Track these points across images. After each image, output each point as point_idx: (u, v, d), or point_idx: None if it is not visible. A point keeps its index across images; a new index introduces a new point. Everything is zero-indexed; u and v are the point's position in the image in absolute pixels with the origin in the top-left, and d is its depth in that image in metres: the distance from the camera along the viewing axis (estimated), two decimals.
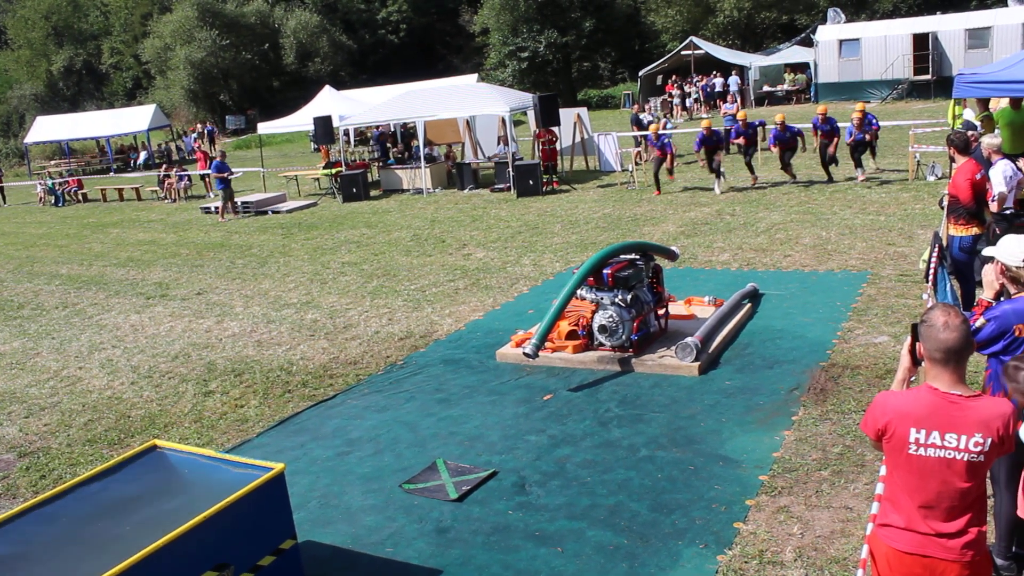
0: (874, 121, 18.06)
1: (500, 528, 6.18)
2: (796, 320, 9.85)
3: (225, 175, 23.39)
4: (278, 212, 23.78)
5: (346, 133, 27.58)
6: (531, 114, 23.13)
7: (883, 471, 3.78)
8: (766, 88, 40.51)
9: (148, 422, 8.99)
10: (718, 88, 38.65)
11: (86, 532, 4.95)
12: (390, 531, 6.29)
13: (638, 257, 9.48)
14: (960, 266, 8.80)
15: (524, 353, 8.86)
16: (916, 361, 3.77)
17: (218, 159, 24.40)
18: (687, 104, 39.88)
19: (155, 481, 5.55)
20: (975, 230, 8.74)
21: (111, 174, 41.53)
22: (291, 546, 5.38)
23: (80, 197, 33.00)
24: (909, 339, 3.75)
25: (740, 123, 19.12)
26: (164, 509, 5.19)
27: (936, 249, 7.52)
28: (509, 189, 22.27)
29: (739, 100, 29.65)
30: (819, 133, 18.06)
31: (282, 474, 5.29)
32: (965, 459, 3.41)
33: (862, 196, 16.43)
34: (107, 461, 5.90)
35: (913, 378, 3.92)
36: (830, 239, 13.35)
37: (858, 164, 17.86)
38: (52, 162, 46.73)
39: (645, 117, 26.77)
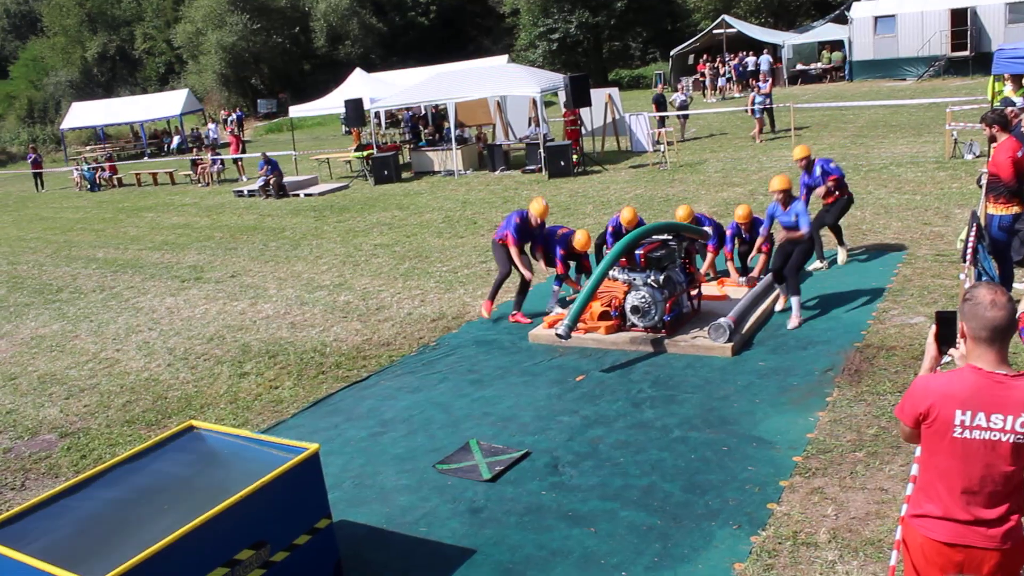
0: (833, 168, 11.11)
1: (533, 508, 6.20)
2: (830, 301, 9.77)
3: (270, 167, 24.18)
4: (310, 195, 23.90)
5: (377, 115, 27.63)
6: (562, 95, 23.04)
7: (917, 452, 3.73)
8: (800, 67, 40.03)
9: (184, 403, 9.11)
10: (750, 67, 38.27)
11: (126, 510, 5.03)
12: (424, 511, 6.33)
13: (671, 237, 9.43)
14: (999, 245, 8.66)
15: (556, 334, 8.86)
16: (942, 350, 3.66)
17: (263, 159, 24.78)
18: (718, 84, 39.51)
19: (192, 461, 5.63)
20: (1016, 209, 8.59)
21: (145, 159, 41.90)
22: (326, 525, 5.43)
23: (115, 182, 33.33)
24: (934, 327, 3.66)
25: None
26: (201, 488, 5.26)
27: (974, 228, 7.41)
28: (540, 170, 22.22)
29: (772, 79, 29.31)
30: (736, 242, 11.01)
31: (317, 454, 5.34)
32: (1011, 440, 3.32)
33: (897, 175, 16.22)
34: (145, 441, 5.98)
35: (947, 360, 3.84)
36: (865, 219, 13.20)
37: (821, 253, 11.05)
38: (87, 147, 47.22)
39: (678, 97, 26.54)
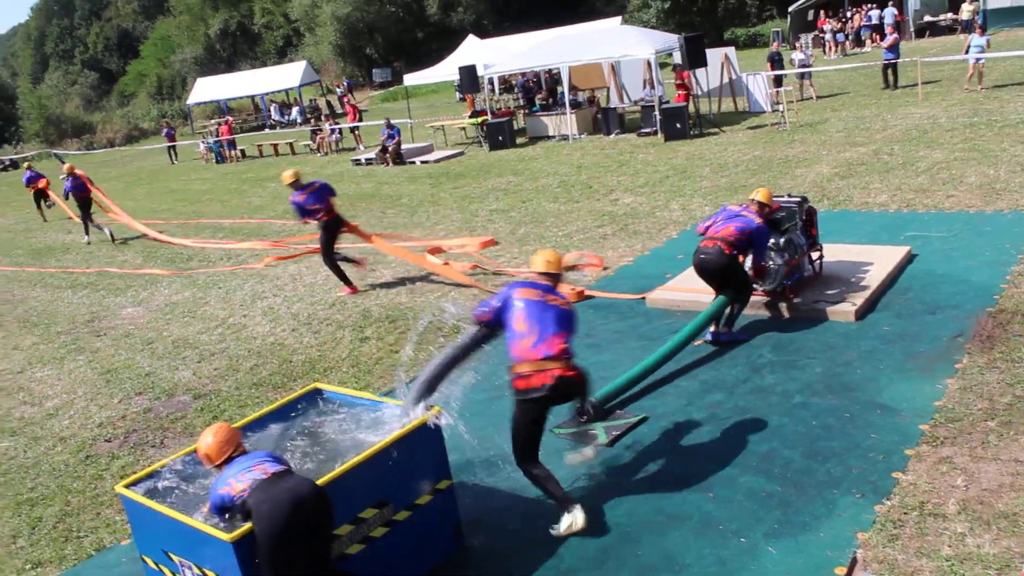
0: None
1: (650, 473, 6.20)
2: (960, 264, 9.37)
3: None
4: (426, 162, 24.18)
5: (491, 81, 27.69)
6: (677, 55, 22.61)
7: None
8: (927, 18, 38.14)
9: (309, 367, 9.40)
10: (874, 20, 36.67)
11: None
12: None
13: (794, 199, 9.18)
14: None
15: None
16: None
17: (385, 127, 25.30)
18: (838, 40, 37.97)
19: (317, 422, 5.83)
20: None
21: (266, 130, 43.08)
22: (447, 486, 5.55)
23: (240, 154, 34.30)
24: None
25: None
26: (326, 448, 5.45)
27: None
28: (656, 133, 21.93)
29: (897, 33, 27.96)
30: None
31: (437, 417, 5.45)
32: None
33: None
34: (273, 403, 6.21)
35: None
36: (999, 177, 12.58)
37: None
38: (212, 121, 48.89)
39: (797, 56, 25.68)
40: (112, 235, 19.42)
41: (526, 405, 5.59)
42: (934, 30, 37.78)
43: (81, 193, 19.47)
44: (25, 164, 28.51)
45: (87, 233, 19.67)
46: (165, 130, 39.70)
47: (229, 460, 4.74)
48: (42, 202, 24.39)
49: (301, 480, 4.56)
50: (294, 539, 4.40)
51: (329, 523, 4.60)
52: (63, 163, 25.36)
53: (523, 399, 5.57)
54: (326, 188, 11.83)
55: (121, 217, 20.33)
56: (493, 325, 5.79)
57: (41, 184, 23.96)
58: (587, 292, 10.37)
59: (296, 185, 11.59)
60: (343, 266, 12.01)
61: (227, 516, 4.62)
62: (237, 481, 4.53)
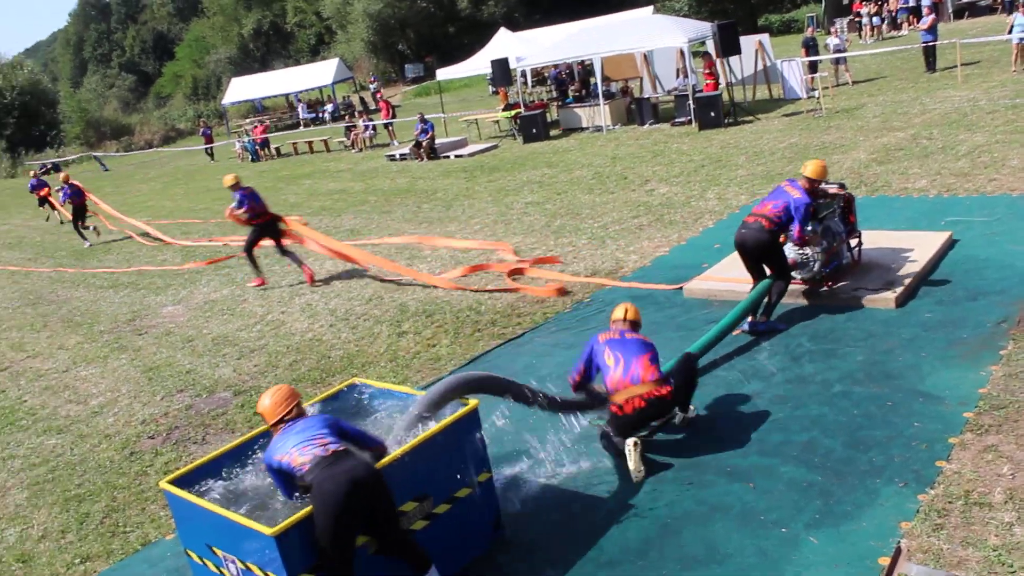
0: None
1: (691, 464, 6.17)
2: (1003, 248, 9.21)
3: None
4: (460, 156, 24.22)
5: (523, 74, 27.65)
6: (710, 43, 22.43)
7: None
8: None
9: (347, 362, 9.46)
10: (911, 2, 36.10)
11: None
12: (581, 466, 6.39)
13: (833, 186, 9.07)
14: None
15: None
16: None
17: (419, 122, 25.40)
18: (874, 24, 37.42)
19: (356, 416, 5.86)
20: None
21: (300, 128, 43.36)
22: (486, 479, 5.56)
23: (275, 152, 34.57)
24: None
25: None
26: None
27: None
28: (690, 122, 21.78)
29: (935, 14, 27.53)
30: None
31: (476, 410, 5.46)
32: None
33: None
34: (312, 398, 6.26)
35: None
36: None
37: None
38: (247, 120, 49.27)
39: (832, 41, 25.36)
40: (97, 231, 21.45)
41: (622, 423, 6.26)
42: (973, 10, 37.09)
43: (77, 200, 21.09)
44: (31, 172, 30.19)
45: (84, 239, 21.13)
46: (202, 130, 40.29)
47: (285, 421, 4.98)
48: (46, 206, 26.23)
49: (359, 462, 4.71)
50: (353, 520, 4.59)
51: (387, 505, 4.76)
52: (104, 168, 26.06)
53: (619, 423, 6.25)
54: (250, 195, 13.30)
55: (126, 221, 21.70)
56: (588, 382, 6.54)
57: (43, 193, 25.94)
58: (612, 283, 10.34)
59: (236, 187, 13.33)
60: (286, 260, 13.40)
61: (286, 482, 4.86)
62: (299, 454, 4.73)
